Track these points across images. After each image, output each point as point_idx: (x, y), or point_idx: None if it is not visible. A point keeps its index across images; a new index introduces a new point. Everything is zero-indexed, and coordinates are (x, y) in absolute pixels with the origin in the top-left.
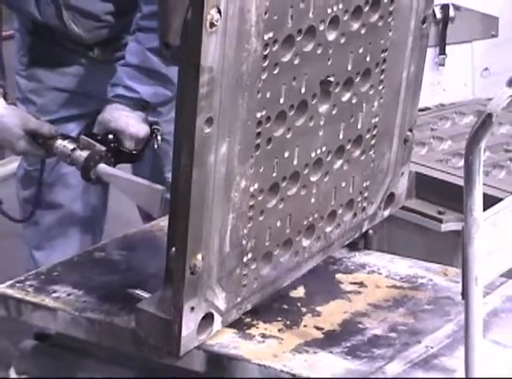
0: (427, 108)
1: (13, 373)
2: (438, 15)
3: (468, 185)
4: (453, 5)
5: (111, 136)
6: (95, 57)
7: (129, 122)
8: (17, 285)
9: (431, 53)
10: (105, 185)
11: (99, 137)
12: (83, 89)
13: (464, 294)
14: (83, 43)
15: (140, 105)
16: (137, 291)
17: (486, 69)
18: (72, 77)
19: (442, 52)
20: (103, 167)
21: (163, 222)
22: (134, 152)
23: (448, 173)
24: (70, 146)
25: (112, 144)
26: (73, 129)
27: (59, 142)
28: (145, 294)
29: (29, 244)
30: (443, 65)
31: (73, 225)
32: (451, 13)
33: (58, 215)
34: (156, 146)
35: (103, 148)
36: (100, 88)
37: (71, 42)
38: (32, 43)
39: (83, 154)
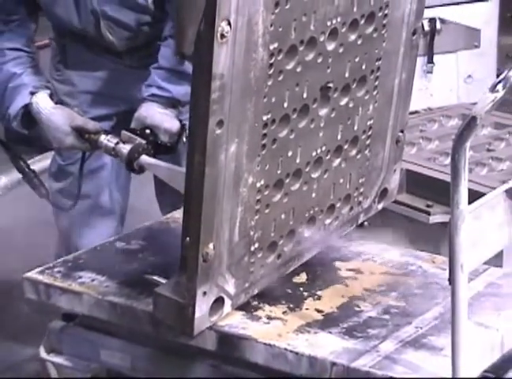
0: (417, 111)
1: (42, 351)
2: (426, 27)
3: (454, 180)
4: (439, 18)
5: (148, 131)
6: (124, 62)
7: (164, 118)
8: (46, 271)
9: (420, 62)
10: (127, 181)
11: (137, 132)
12: (112, 91)
13: (451, 279)
14: (114, 50)
15: (171, 103)
16: (155, 277)
17: (469, 76)
18: (102, 81)
19: (430, 61)
20: (145, 158)
21: (178, 214)
22: (169, 145)
23: (435, 170)
24: (114, 140)
25: (150, 138)
26: (103, 127)
27: (103, 137)
28: (162, 280)
29: (60, 232)
30: (431, 72)
31: (99, 215)
32: (438, 25)
33: (86, 205)
34: (184, 140)
35: (144, 141)
36: (128, 90)
37: (103, 49)
38: (67, 50)
39: (126, 147)
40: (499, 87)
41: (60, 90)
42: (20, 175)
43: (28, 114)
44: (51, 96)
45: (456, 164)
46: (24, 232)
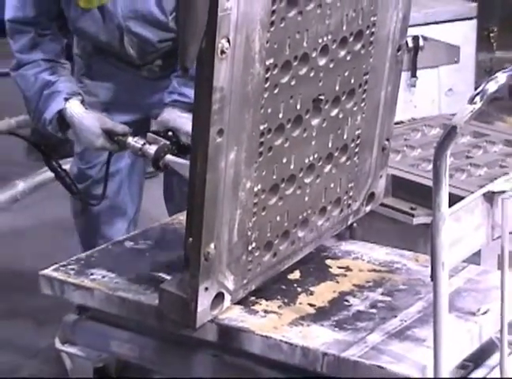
0: (401, 122)
1: (57, 342)
2: (410, 44)
3: (436, 185)
4: (422, 36)
5: (170, 133)
6: (142, 74)
7: (184, 122)
8: (61, 268)
9: (404, 76)
10: (140, 186)
11: (161, 134)
12: (130, 101)
13: (433, 276)
14: (134, 63)
15: (191, 108)
16: (161, 274)
17: (450, 89)
18: (122, 92)
19: (414, 75)
20: (169, 157)
21: (182, 216)
22: (190, 145)
23: (419, 175)
24: (141, 141)
25: (173, 139)
26: None
27: (131, 138)
28: (167, 277)
29: (78, 231)
30: (414, 86)
31: (114, 215)
32: (421, 42)
33: (104, 205)
34: None
35: (168, 142)
36: (145, 99)
37: (124, 62)
38: (91, 63)
39: (152, 147)
40: (477, 99)
41: (86, 101)
42: (36, 181)
43: (62, 119)
44: (82, 102)
45: (437, 170)
46: (40, 233)
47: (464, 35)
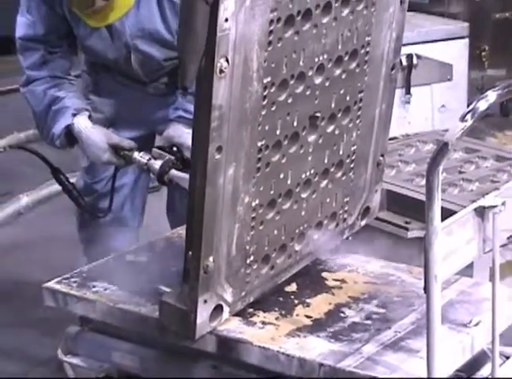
0: (396, 137)
1: (60, 353)
2: (404, 62)
3: (429, 200)
4: (416, 54)
5: (175, 149)
6: (148, 91)
7: (189, 137)
8: (64, 281)
9: (399, 93)
10: (143, 200)
11: (166, 149)
12: (136, 117)
13: (426, 288)
14: (140, 80)
15: None
16: (161, 287)
17: (443, 106)
18: (128, 108)
19: (408, 92)
20: (174, 172)
21: (181, 230)
22: None
23: (412, 190)
24: (146, 156)
25: (177, 155)
26: None
27: (137, 153)
28: (167, 289)
29: (83, 242)
30: (408, 102)
31: (118, 228)
32: (414, 61)
33: (108, 219)
34: None
35: (173, 158)
36: (149, 115)
37: (130, 79)
38: (98, 81)
39: (157, 162)
40: (468, 117)
41: (93, 117)
42: (40, 195)
43: (70, 134)
44: (90, 118)
45: (430, 186)
46: (43, 246)
47: (456, 53)
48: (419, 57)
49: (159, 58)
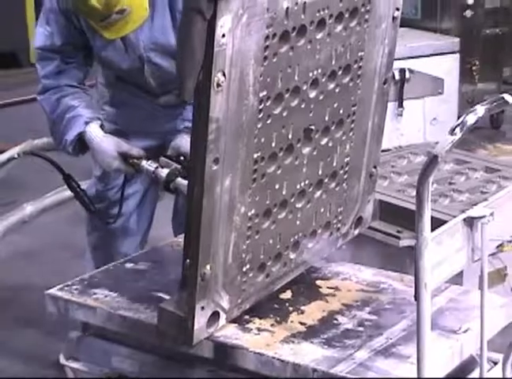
0: (388, 149)
1: (61, 358)
2: (397, 77)
3: (419, 210)
4: (408, 69)
5: (182, 158)
6: (159, 102)
7: None
8: (65, 288)
9: (392, 106)
10: (152, 207)
11: (174, 158)
12: (149, 128)
13: (416, 296)
14: (152, 92)
15: None
16: (160, 294)
17: (434, 118)
18: (141, 120)
19: (401, 105)
20: (180, 181)
21: (180, 239)
22: None
23: (404, 200)
24: (154, 165)
25: (184, 164)
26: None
27: (145, 162)
28: (166, 296)
29: (90, 247)
30: (401, 115)
31: (126, 234)
32: (407, 75)
33: (116, 225)
34: None
35: (179, 166)
36: (161, 126)
37: (143, 91)
38: (113, 92)
39: (164, 171)
40: (457, 130)
41: (107, 128)
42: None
43: (82, 141)
44: (101, 126)
45: (420, 197)
46: (47, 255)
47: (448, 68)
48: (411, 71)
49: (171, 70)
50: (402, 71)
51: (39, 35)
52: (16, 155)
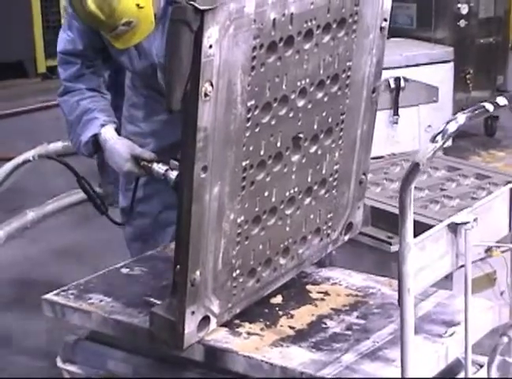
0: (381, 156)
1: (59, 361)
2: (392, 85)
3: (402, 217)
4: (403, 77)
5: None
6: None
7: None
8: (62, 293)
9: (387, 114)
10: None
11: None
12: (165, 132)
13: (400, 301)
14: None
15: None
16: (152, 299)
17: (429, 126)
18: (160, 123)
19: (396, 113)
20: None
21: (173, 245)
22: None
23: (396, 207)
24: (164, 167)
25: None
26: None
27: (156, 164)
28: (158, 301)
29: (127, 239)
30: (396, 123)
31: (154, 228)
32: (402, 83)
33: (146, 221)
34: None
35: None
36: (177, 130)
37: (160, 95)
38: (136, 95)
39: (174, 173)
40: (439, 138)
41: (129, 130)
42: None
43: (97, 142)
44: (116, 129)
45: (403, 203)
46: (50, 260)
47: (442, 76)
48: (406, 80)
49: None
50: (397, 79)
51: (62, 40)
52: (31, 158)
